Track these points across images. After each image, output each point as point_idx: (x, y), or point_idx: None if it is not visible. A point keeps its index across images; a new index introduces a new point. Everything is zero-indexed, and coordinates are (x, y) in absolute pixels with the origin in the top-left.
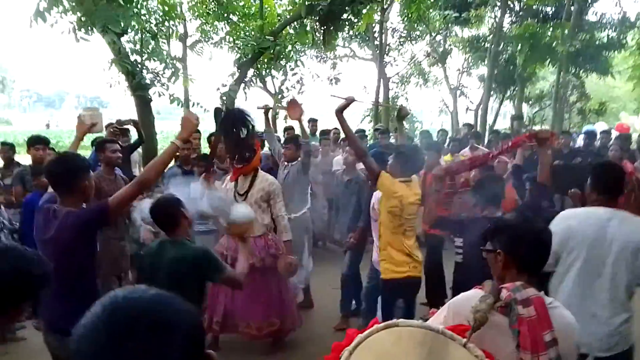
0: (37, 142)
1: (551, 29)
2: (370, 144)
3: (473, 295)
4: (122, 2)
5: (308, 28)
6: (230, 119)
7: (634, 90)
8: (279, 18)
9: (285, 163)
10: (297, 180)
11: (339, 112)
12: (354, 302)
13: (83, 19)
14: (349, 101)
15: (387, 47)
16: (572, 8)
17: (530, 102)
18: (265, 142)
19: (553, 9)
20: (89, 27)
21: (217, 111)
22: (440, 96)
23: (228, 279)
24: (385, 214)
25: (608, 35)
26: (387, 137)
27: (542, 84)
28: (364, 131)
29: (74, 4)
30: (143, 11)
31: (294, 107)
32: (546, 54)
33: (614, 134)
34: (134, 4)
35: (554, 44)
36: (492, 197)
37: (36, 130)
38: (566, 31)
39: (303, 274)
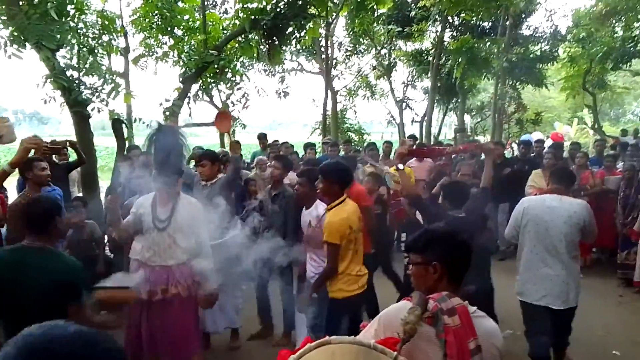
0: None
1: (488, 43)
2: (320, 156)
3: (402, 307)
4: (56, 17)
5: (253, 42)
6: (160, 137)
7: (567, 100)
8: (224, 32)
9: (203, 182)
10: (220, 201)
11: None
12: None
13: (15, 34)
14: None
15: (334, 61)
16: (507, 23)
17: (472, 113)
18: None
19: (490, 24)
20: (22, 43)
21: (115, 122)
22: (387, 108)
23: (82, 311)
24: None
25: (541, 49)
26: (336, 149)
27: (483, 96)
28: (314, 144)
29: (4, 18)
30: (80, 25)
31: (223, 120)
32: (483, 67)
33: (549, 142)
34: (69, 18)
35: (490, 58)
36: (457, 201)
37: None
38: (502, 45)
39: (231, 314)
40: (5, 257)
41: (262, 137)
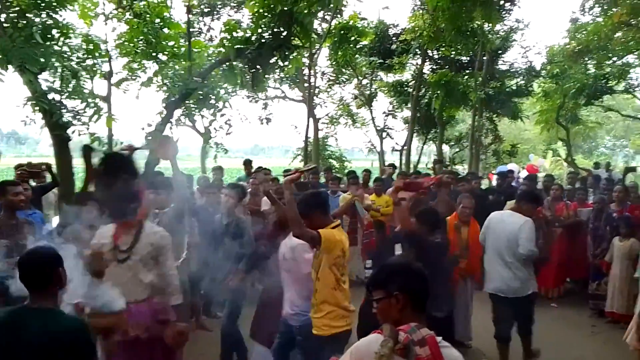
0: None
1: (465, 77)
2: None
3: (373, 340)
4: (40, 40)
5: (237, 71)
6: (113, 165)
7: (541, 133)
8: (209, 59)
9: (155, 211)
10: (171, 231)
11: (288, 182)
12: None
13: None
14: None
15: (317, 89)
16: (484, 58)
17: (450, 144)
18: None
19: (468, 59)
20: (4, 65)
21: (85, 148)
22: (368, 136)
23: None
24: (326, 270)
25: (517, 83)
26: (318, 176)
27: (461, 127)
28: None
29: None
30: (65, 48)
31: (165, 146)
32: (461, 100)
33: (524, 173)
34: (54, 41)
35: (468, 90)
36: (432, 226)
37: None
38: (479, 79)
39: None
40: (3, 320)
41: (247, 163)
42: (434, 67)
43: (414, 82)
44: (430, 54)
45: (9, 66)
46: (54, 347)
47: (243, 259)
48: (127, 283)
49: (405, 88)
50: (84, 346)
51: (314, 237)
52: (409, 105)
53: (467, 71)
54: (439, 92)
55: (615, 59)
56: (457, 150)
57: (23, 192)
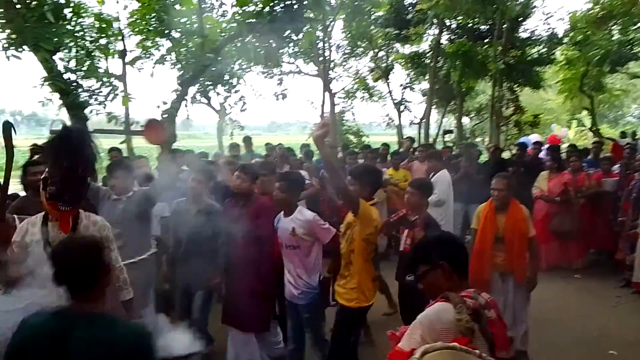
0: None
1: (485, 46)
2: (317, 158)
3: (441, 309)
4: (53, 20)
5: (250, 46)
6: (67, 142)
7: (565, 102)
8: (222, 35)
9: (115, 197)
10: (138, 215)
11: (321, 139)
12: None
13: (13, 36)
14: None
15: (332, 63)
16: (504, 26)
17: (470, 115)
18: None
19: (486, 27)
20: (20, 45)
21: (5, 125)
22: (386, 110)
23: None
24: (361, 242)
25: (538, 52)
26: (334, 151)
27: (481, 98)
28: (309, 145)
29: (3, 21)
30: (77, 28)
31: (153, 130)
32: (480, 70)
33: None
34: (67, 21)
35: (487, 60)
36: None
37: None
38: (500, 48)
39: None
40: (47, 326)
41: (247, 140)
42: (452, 36)
43: (431, 53)
44: (448, 23)
45: (24, 46)
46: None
47: (218, 254)
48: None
49: (423, 59)
50: (145, 356)
51: (354, 200)
52: (427, 77)
53: (486, 40)
54: (457, 62)
55: None
56: (478, 122)
57: (42, 171)
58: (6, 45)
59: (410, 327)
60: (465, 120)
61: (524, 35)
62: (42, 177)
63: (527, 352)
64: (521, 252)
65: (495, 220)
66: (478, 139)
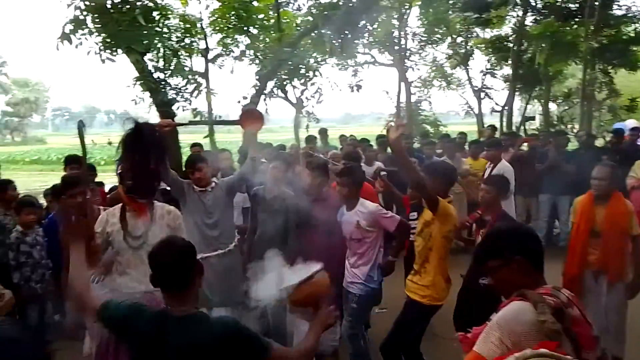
0: (72, 162)
1: (574, 26)
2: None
3: (520, 310)
4: (143, 22)
5: (325, 38)
6: (137, 138)
7: None
8: (298, 29)
9: (199, 189)
10: (225, 205)
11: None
12: None
13: (107, 40)
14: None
15: (408, 52)
16: (596, 3)
17: (558, 101)
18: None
19: (576, 5)
20: (114, 48)
21: (79, 125)
22: (464, 98)
23: (280, 354)
24: (439, 240)
25: (635, 29)
26: (409, 141)
27: (570, 82)
28: (384, 137)
29: (99, 26)
30: (165, 29)
31: (252, 119)
32: (569, 52)
33: None
34: (155, 23)
35: (577, 41)
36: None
37: (70, 148)
38: (591, 27)
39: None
40: (148, 333)
41: (322, 133)
42: (538, 17)
43: (514, 36)
44: (533, 3)
45: (118, 50)
46: (208, 357)
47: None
48: (144, 274)
49: (505, 43)
50: (247, 347)
51: (433, 198)
52: (509, 61)
53: (576, 20)
54: (543, 45)
55: None
56: (566, 107)
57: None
58: (102, 48)
59: (485, 330)
60: (552, 106)
61: (618, 12)
62: (119, 171)
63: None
64: (619, 250)
65: (593, 212)
66: (567, 126)
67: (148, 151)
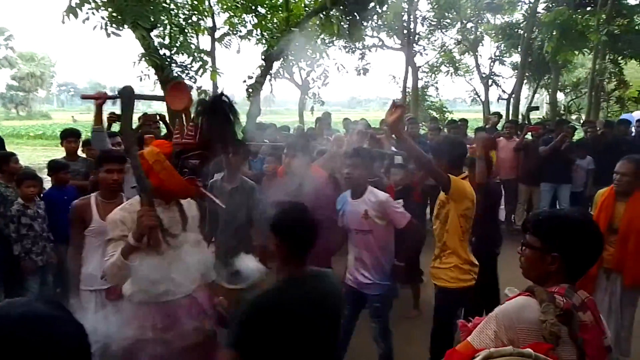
0: (69, 135)
1: (586, 14)
2: None
3: (523, 305)
4: None
5: (333, 19)
6: (220, 107)
7: None
8: (306, 9)
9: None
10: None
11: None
12: None
13: (114, 15)
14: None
15: (417, 36)
16: None
17: (566, 91)
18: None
19: None
20: (120, 23)
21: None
22: (472, 85)
23: None
24: (455, 219)
25: None
26: (416, 126)
27: (580, 72)
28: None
29: (105, 0)
30: (172, 6)
31: (178, 94)
32: (579, 41)
33: None
34: None
35: (587, 31)
36: None
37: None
38: (603, 16)
39: None
40: (299, 294)
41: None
42: (550, 4)
43: (525, 23)
44: None
45: (124, 24)
46: (337, 309)
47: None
48: (184, 276)
49: (515, 30)
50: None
51: (444, 178)
52: (519, 49)
53: (589, 9)
54: (553, 33)
55: None
56: (574, 97)
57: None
58: (108, 23)
59: (484, 321)
60: (560, 95)
61: (632, 1)
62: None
63: None
64: (636, 249)
65: (612, 207)
66: (573, 116)
67: (227, 128)
